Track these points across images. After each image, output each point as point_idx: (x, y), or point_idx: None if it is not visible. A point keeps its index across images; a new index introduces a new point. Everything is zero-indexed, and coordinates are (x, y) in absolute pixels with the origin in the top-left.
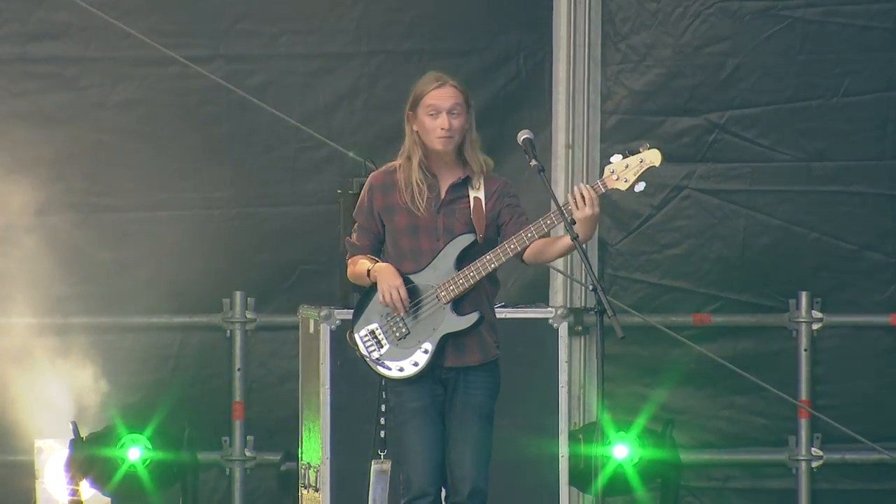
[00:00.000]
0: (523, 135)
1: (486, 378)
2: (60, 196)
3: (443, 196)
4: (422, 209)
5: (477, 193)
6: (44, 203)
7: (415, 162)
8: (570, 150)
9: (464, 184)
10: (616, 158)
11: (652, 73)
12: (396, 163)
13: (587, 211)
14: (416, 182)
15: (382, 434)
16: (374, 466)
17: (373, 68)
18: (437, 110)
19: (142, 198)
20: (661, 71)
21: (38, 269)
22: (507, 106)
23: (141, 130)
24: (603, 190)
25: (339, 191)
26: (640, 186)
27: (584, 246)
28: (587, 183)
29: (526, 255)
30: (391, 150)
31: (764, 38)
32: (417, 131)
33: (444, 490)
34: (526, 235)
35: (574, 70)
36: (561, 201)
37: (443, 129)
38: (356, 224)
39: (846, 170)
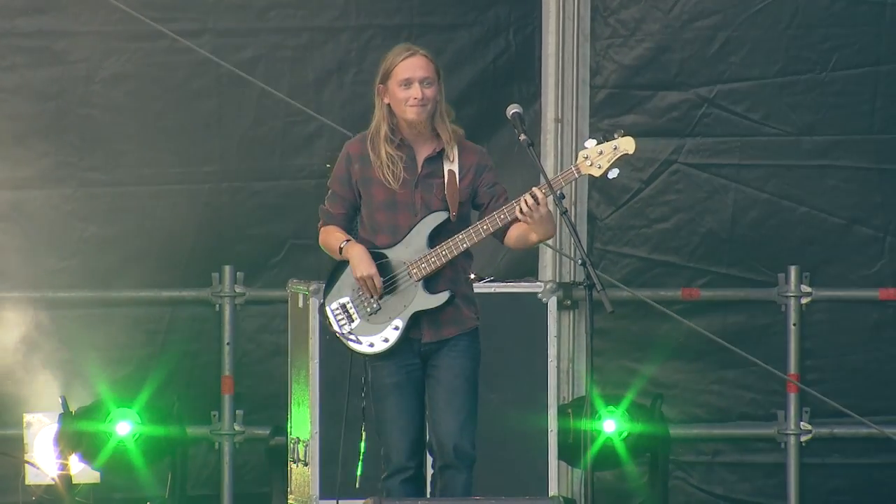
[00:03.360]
0: (512, 109)
1: (467, 344)
2: (49, 170)
3: (419, 170)
4: (395, 184)
5: (451, 166)
6: (32, 177)
7: (381, 136)
8: (560, 125)
9: (439, 157)
10: (591, 143)
11: (641, 48)
12: (367, 133)
13: (542, 210)
14: (386, 156)
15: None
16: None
17: (362, 42)
18: (410, 81)
19: (131, 172)
20: (650, 45)
21: (28, 244)
22: (497, 80)
23: (130, 105)
24: (577, 175)
25: (328, 165)
26: (614, 173)
27: (572, 219)
28: (569, 164)
29: (508, 240)
30: None
31: (753, 12)
32: (389, 104)
33: (431, 459)
34: (499, 217)
35: (563, 44)
36: (550, 175)
37: (415, 98)
38: (330, 191)
39: (835, 144)
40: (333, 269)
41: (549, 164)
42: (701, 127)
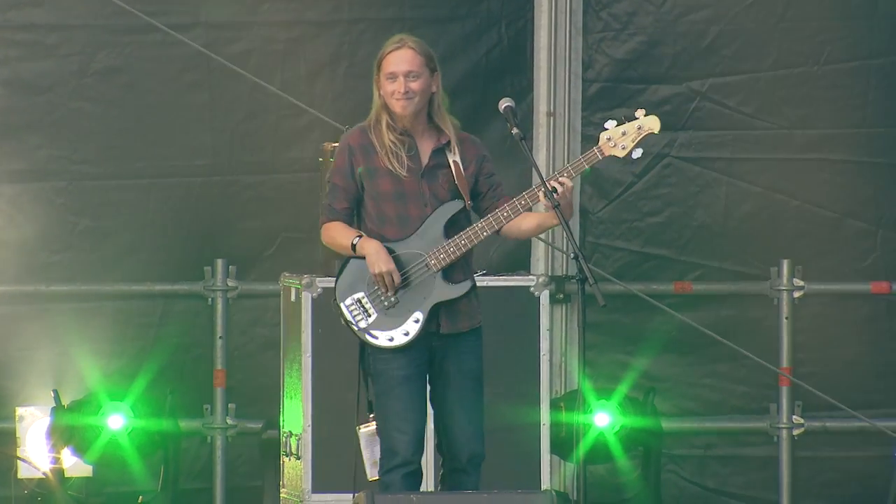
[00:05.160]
0: (505, 103)
1: (474, 342)
2: (42, 164)
3: (424, 161)
4: (402, 170)
5: (455, 157)
6: (25, 171)
7: (383, 125)
8: (552, 118)
9: (443, 148)
10: (611, 124)
11: (633, 41)
12: (367, 123)
13: (569, 195)
14: (390, 143)
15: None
16: (363, 430)
17: (354, 36)
18: (394, 74)
19: (123, 165)
20: (642, 39)
21: (20, 237)
22: (489, 74)
23: (122, 98)
24: (599, 157)
25: (320, 158)
26: (638, 153)
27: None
28: (577, 154)
29: (510, 230)
30: None
31: (745, 5)
32: (383, 95)
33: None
34: (520, 203)
35: (556, 38)
36: (542, 169)
37: (399, 92)
38: (331, 185)
39: (827, 138)
40: (343, 265)
41: (541, 157)
42: (693, 120)
